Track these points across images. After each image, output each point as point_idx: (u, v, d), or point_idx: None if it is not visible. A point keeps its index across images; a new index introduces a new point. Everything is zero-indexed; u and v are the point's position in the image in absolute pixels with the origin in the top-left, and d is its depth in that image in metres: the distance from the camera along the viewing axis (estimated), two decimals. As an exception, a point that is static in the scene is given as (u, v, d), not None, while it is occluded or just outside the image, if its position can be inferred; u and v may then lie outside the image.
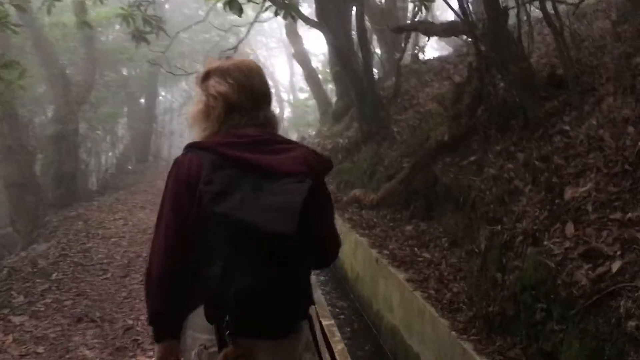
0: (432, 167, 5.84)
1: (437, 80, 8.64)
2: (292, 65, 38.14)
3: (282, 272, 1.52)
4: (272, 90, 1.93)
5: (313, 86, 15.75)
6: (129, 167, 19.80)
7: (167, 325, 1.64)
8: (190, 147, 1.64)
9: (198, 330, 1.60)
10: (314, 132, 23.08)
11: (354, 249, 6.24)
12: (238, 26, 9.24)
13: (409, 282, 4.39)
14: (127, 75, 22.38)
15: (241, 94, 1.66)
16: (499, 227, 3.51)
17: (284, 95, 37.65)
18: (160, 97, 25.76)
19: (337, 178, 9.76)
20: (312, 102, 27.12)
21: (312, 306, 1.71)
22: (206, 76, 1.71)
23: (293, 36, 16.18)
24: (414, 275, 4.51)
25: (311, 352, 1.73)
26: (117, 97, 24.12)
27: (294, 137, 35.03)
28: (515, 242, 3.28)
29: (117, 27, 16.95)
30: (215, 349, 1.54)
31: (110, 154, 18.73)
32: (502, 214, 3.70)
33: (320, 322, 2.00)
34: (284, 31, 39.00)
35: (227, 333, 1.50)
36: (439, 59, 10.17)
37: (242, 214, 1.45)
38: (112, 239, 7.74)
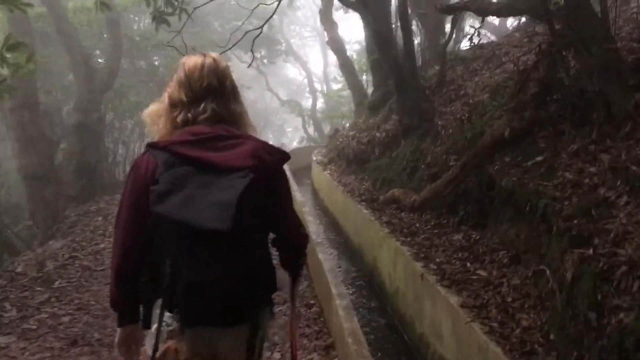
0: (487, 167, 5.07)
1: (488, 68, 7.80)
2: (326, 55, 37.39)
3: (228, 266, 1.60)
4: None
5: (348, 76, 14.99)
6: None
7: (125, 312, 1.77)
8: (148, 146, 1.69)
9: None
10: (348, 124, 22.35)
11: (394, 258, 5.52)
12: (266, 3, 8.52)
13: (463, 308, 3.66)
14: (157, 64, 22.13)
15: (180, 90, 1.74)
16: (590, 251, 2.75)
17: (317, 86, 36.82)
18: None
19: (374, 175, 9.04)
20: (347, 92, 26.39)
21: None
22: (172, 79, 1.82)
23: (328, 23, 15.43)
24: (469, 300, 3.78)
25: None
26: (146, 87, 24.01)
27: (326, 129, 34.41)
28: (615, 274, 2.53)
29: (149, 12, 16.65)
30: (173, 327, 1.65)
31: (139, 144, 18.40)
32: (591, 232, 2.93)
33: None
34: (318, 19, 38.39)
35: (176, 323, 1.63)
36: (490, 44, 9.29)
37: (180, 213, 1.51)
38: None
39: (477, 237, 4.97)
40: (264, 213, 1.69)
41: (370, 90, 14.81)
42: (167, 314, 1.65)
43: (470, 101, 7.16)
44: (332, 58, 48.54)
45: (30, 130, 9.76)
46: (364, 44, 21.39)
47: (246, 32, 8.16)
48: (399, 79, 7.98)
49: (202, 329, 1.66)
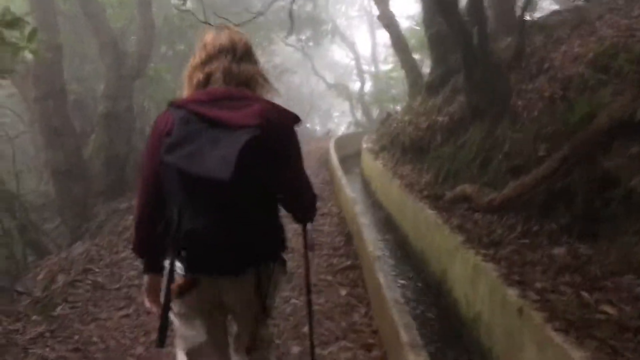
0: (600, 160, 3.88)
1: (579, 35, 6.48)
2: (374, 35, 35.98)
3: (229, 217, 1.73)
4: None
5: (400, 54, 13.74)
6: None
7: (148, 260, 1.98)
8: (169, 105, 1.85)
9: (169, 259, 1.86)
10: (400, 108, 21.00)
11: (472, 276, 4.41)
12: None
13: (596, 370, 2.55)
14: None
15: (198, 54, 1.92)
16: None
17: (365, 68, 35.48)
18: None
19: (435, 165, 7.89)
20: (398, 74, 25.04)
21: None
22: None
23: (378, -5, 14.17)
24: (601, 356, 2.66)
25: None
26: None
27: (375, 113, 33.14)
28: None
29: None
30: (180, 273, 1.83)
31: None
32: None
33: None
34: (365, -2, 36.92)
35: (183, 266, 1.81)
36: (572, 10, 7.91)
37: (185, 163, 1.65)
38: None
39: (589, 253, 3.80)
40: (270, 171, 1.79)
41: (425, 69, 13.54)
42: (178, 263, 1.81)
43: (559, 75, 5.89)
44: (381, 38, 46.89)
45: (55, 122, 9.08)
46: (416, 19, 20.02)
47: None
48: (467, 51, 6.77)
49: (206, 277, 1.83)
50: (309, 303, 2.40)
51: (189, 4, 20.96)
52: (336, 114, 48.94)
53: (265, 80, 1.96)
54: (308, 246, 2.31)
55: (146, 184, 1.88)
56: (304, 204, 2.03)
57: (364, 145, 14.37)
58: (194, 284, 1.82)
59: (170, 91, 14.76)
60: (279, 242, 1.94)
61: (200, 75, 1.86)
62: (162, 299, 1.83)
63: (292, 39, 28.98)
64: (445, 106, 8.51)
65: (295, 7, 25.23)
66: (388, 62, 40.33)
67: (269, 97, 1.92)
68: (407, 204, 7.31)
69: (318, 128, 44.56)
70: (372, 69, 35.28)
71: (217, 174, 1.60)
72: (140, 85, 10.91)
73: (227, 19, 10.27)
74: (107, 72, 10.00)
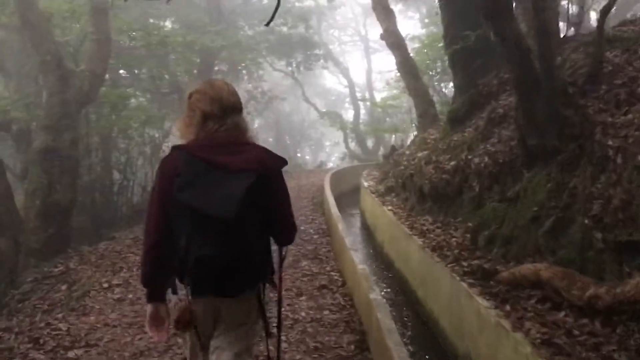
0: None
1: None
2: (369, 60, 34.60)
3: (231, 246, 2.09)
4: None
5: (408, 78, 12.00)
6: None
7: (154, 289, 2.21)
8: (174, 149, 2.22)
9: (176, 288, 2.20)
10: (407, 141, 19.18)
11: None
12: None
13: None
14: (177, 73, 19.69)
15: (213, 105, 2.21)
16: None
17: (359, 95, 33.90)
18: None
19: (471, 222, 6.03)
20: (397, 102, 23.39)
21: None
22: (190, 96, 2.32)
23: (383, 11, 12.45)
24: None
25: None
26: (166, 100, 21.54)
27: (369, 143, 31.43)
28: None
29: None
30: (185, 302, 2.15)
31: (151, 170, 15.78)
32: None
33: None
34: (360, 21, 35.60)
35: (188, 292, 2.12)
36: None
37: (197, 201, 2.04)
38: (73, 351, 4.42)
39: None
40: (263, 206, 2.20)
41: (435, 97, 11.82)
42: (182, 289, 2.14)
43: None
44: (377, 64, 45.54)
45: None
46: (422, 38, 18.22)
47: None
48: (524, 70, 4.95)
49: (201, 298, 2.14)
50: (279, 312, 2.60)
51: (168, 24, 19.27)
52: (327, 143, 47.32)
53: (246, 125, 2.32)
54: (282, 258, 2.49)
55: (156, 219, 2.15)
56: (289, 232, 2.38)
57: (365, 184, 12.49)
58: (191, 315, 2.14)
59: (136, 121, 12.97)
60: (270, 266, 2.34)
61: (215, 126, 2.19)
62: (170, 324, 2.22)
63: (282, 64, 27.44)
64: (479, 143, 6.67)
65: (285, 29, 23.77)
66: (382, 90, 39.04)
67: (253, 139, 2.33)
68: (438, 278, 5.40)
69: (308, 158, 42.86)
70: (366, 96, 33.67)
71: (224, 213, 2.02)
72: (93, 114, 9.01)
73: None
74: (48, 97, 8.10)
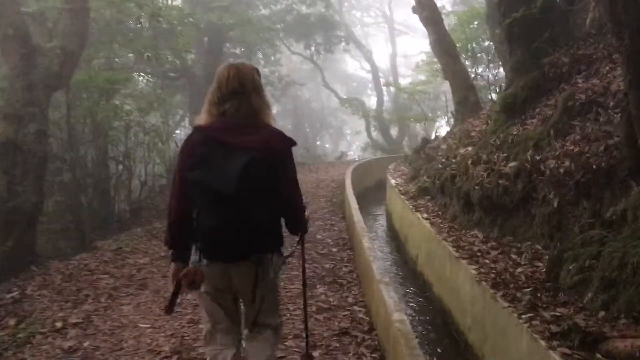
0: None
1: None
2: (393, 43, 32.75)
3: (233, 218, 2.34)
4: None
5: (444, 58, 10.37)
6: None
7: (177, 251, 2.51)
8: (194, 129, 2.53)
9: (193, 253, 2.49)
10: (429, 130, 17.56)
11: None
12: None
13: None
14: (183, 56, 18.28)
15: (214, 93, 2.49)
16: None
17: (383, 81, 32.13)
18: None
19: (540, 245, 4.51)
20: (430, 86, 21.67)
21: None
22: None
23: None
24: None
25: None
26: (175, 85, 20.12)
27: (393, 133, 29.71)
28: None
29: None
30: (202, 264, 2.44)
31: (151, 163, 14.37)
32: None
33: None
34: (384, 0, 33.75)
35: (199, 257, 2.43)
36: None
37: (203, 178, 2.33)
38: None
39: None
40: (268, 183, 2.40)
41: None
42: (194, 256, 2.45)
43: None
44: (401, 48, 43.62)
45: None
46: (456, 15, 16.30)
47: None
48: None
49: (216, 264, 2.44)
50: (305, 295, 3.07)
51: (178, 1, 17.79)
52: (348, 131, 45.73)
53: (269, 109, 2.59)
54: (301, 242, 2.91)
55: (177, 192, 2.46)
56: (297, 213, 2.62)
57: (392, 182, 10.96)
58: (197, 274, 2.38)
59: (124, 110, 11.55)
60: (277, 238, 2.53)
61: (215, 110, 2.45)
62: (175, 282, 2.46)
63: (300, 47, 25.85)
64: (552, 140, 5.10)
65: (304, 8, 22.14)
66: (407, 76, 37.12)
67: (273, 122, 2.57)
68: (506, 330, 3.90)
69: (328, 146, 41.33)
70: (390, 79, 31.87)
71: (225, 187, 2.28)
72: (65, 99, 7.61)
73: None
74: (10, 81, 6.71)
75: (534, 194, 5.04)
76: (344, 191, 10.32)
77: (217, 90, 2.47)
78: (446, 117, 21.20)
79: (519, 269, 4.64)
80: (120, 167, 12.99)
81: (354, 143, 46.89)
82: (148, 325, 4.69)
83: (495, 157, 6.07)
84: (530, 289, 4.15)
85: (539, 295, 4.03)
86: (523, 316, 3.73)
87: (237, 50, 19.98)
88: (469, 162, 6.58)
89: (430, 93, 21.15)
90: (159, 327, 4.67)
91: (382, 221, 11.97)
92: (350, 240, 7.68)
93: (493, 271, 4.75)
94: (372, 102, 35.96)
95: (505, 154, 5.92)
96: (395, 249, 9.10)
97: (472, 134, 7.86)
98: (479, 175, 6.05)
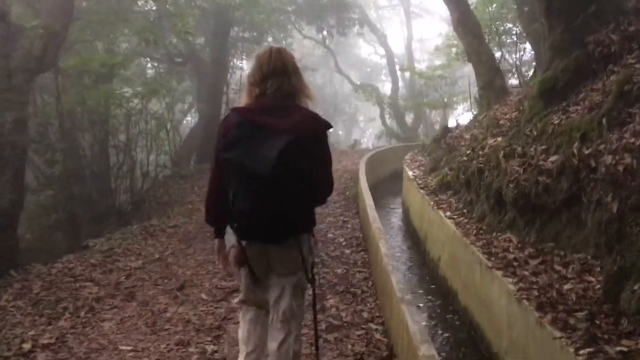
0: None
1: None
2: (410, 27, 31.71)
3: (269, 201, 2.34)
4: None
5: (468, 38, 9.52)
6: (183, 171, 14.79)
7: (216, 229, 2.67)
8: (231, 110, 2.56)
9: (230, 234, 2.55)
10: (458, 118, 16.66)
11: None
12: None
13: None
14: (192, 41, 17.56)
15: (255, 73, 2.52)
16: None
17: (398, 66, 31.18)
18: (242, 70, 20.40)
19: (591, 254, 3.82)
20: (443, 71, 20.73)
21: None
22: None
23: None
24: None
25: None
26: (181, 70, 19.42)
27: (408, 120, 28.81)
28: None
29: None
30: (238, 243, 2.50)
31: (154, 153, 13.71)
32: None
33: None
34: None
35: (239, 237, 2.48)
36: None
37: (239, 159, 2.33)
38: None
39: None
40: (303, 166, 2.39)
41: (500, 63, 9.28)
42: (231, 237, 2.52)
43: None
44: (417, 31, 42.49)
45: None
46: None
47: None
48: None
49: (254, 243, 2.48)
50: (314, 309, 2.85)
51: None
52: (361, 118, 44.87)
53: (309, 91, 2.59)
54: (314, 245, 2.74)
55: (215, 172, 2.53)
56: (324, 189, 2.61)
57: (410, 173, 10.22)
58: (243, 254, 2.49)
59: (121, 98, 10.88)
60: (311, 219, 2.57)
61: (257, 90, 2.49)
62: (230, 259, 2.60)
63: (312, 32, 24.99)
64: (604, 130, 4.33)
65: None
66: (423, 61, 36.09)
67: (310, 104, 2.58)
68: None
69: (341, 133, 40.55)
70: (405, 65, 30.90)
71: (261, 170, 2.28)
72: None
73: None
74: (-14, 62, 6.05)
75: (582, 194, 4.29)
76: (358, 184, 9.60)
77: (259, 69, 2.50)
78: (467, 104, 20.39)
79: (567, 285, 3.92)
80: (122, 156, 12.40)
81: (367, 130, 46.05)
82: (130, 348, 4.04)
83: (532, 149, 5.30)
84: (584, 313, 3.44)
85: (597, 322, 3.32)
86: (581, 351, 3.03)
87: (247, 34, 19.21)
88: (501, 154, 5.83)
89: (448, 78, 20.25)
90: (143, 349, 4.03)
91: (398, 215, 11.26)
92: (365, 241, 6.98)
93: (535, 286, 4.04)
94: (386, 88, 35.11)
95: (544, 146, 5.16)
96: (414, 247, 8.40)
97: (501, 122, 7.09)
98: (514, 170, 5.30)
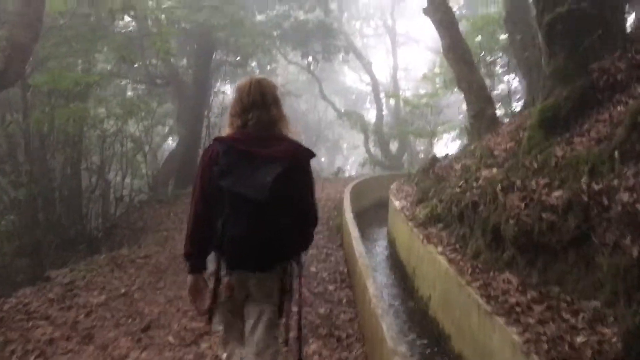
0: None
1: None
2: (395, 55, 31.72)
3: (262, 227, 2.39)
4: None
5: (459, 66, 9.24)
6: (158, 196, 14.22)
7: (194, 262, 2.56)
8: (214, 140, 2.57)
9: (211, 263, 2.51)
10: (428, 146, 16.46)
11: None
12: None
13: None
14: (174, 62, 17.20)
15: (235, 105, 2.62)
16: None
17: (383, 94, 31.06)
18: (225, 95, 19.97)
19: (602, 302, 3.42)
20: (428, 100, 20.55)
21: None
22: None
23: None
24: None
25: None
26: (163, 92, 18.98)
27: (393, 147, 28.59)
28: None
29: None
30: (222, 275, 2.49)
31: (129, 177, 13.13)
32: None
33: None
34: (386, 9, 32.78)
35: (226, 267, 2.46)
36: None
37: (235, 187, 2.36)
38: None
39: None
40: (291, 193, 2.45)
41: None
42: (212, 267, 2.48)
43: None
44: (403, 60, 42.69)
45: None
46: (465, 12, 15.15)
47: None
48: None
49: (240, 273, 2.48)
50: (300, 315, 2.77)
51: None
52: (345, 145, 44.67)
53: (287, 121, 2.64)
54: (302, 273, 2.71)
55: (198, 202, 2.50)
56: (310, 227, 2.67)
57: (396, 203, 9.81)
58: (232, 286, 2.48)
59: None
60: (295, 246, 2.58)
61: (239, 122, 2.56)
62: (209, 295, 2.51)
63: (298, 58, 24.76)
64: (615, 163, 3.97)
65: (301, 13, 21.08)
66: (407, 90, 36.09)
67: (289, 134, 2.62)
68: None
69: (324, 160, 40.23)
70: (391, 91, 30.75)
71: (257, 196, 2.31)
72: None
73: None
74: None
75: (593, 234, 3.90)
76: (343, 214, 9.16)
77: (239, 101, 2.58)
78: (454, 133, 20.20)
79: (580, 338, 3.49)
80: (95, 179, 11.85)
81: (350, 157, 45.81)
82: None
83: (532, 183, 4.93)
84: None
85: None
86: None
87: (230, 58, 18.88)
88: (498, 187, 5.44)
89: (434, 107, 20.08)
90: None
91: (382, 246, 10.80)
92: (350, 277, 6.52)
93: (543, 337, 3.61)
94: (370, 115, 34.96)
95: (546, 180, 4.79)
96: (399, 283, 7.94)
97: (496, 152, 6.74)
98: (514, 205, 4.91)
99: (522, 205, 4.81)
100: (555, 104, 5.26)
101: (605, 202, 3.83)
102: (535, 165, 5.11)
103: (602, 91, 5.00)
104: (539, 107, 5.52)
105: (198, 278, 2.57)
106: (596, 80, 5.04)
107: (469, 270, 5.29)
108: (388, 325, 3.74)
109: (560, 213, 4.29)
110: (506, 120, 10.20)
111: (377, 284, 4.86)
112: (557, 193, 4.49)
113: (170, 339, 4.59)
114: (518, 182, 5.17)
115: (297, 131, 2.72)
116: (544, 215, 4.45)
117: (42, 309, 5.28)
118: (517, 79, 12.81)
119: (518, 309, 4.13)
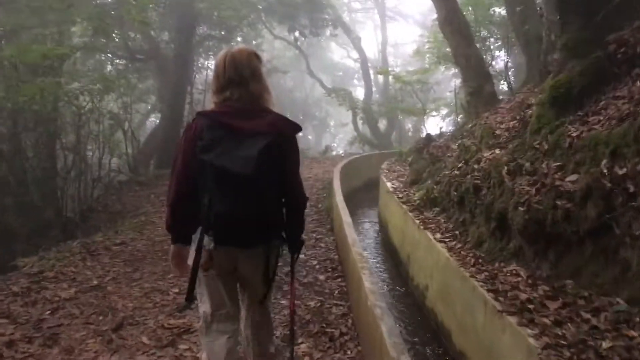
0: None
1: None
2: (384, 30, 31.06)
3: (248, 202, 2.35)
4: None
5: (456, 39, 8.75)
6: (140, 176, 13.68)
7: (177, 234, 2.53)
8: (198, 114, 2.53)
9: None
10: (448, 128, 15.96)
11: None
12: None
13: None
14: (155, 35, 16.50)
15: (214, 82, 2.54)
16: None
17: (372, 70, 30.48)
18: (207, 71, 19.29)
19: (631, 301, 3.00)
20: (421, 76, 20.04)
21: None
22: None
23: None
24: None
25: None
26: (142, 68, 18.31)
27: (382, 125, 28.16)
28: None
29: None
30: (209, 246, 2.41)
31: (107, 156, 12.52)
32: None
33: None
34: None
35: (211, 242, 2.39)
36: None
37: (218, 161, 2.29)
38: None
39: None
40: (277, 169, 2.41)
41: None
42: (205, 236, 2.39)
43: None
44: (392, 35, 41.95)
45: None
46: None
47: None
48: None
49: (227, 248, 2.43)
50: (292, 317, 2.94)
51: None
52: (332, 123, 44.17)
53: (269, 94, 2.54)
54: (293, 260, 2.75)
55: (179, 175, 2.45)
56: (294, 201, 2.57)
57: (388, 185, 9.39)
58: (212, 258, 2.43)
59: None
60: (282, 224, 2.56)
61: (220, 97, 2.48)
62: (190, 267, 2.44)
63: (285, 33, 24.07)
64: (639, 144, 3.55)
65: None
66: (396, 66, 35.51)
67: (273, 107, 2.53)
68: None
69: (311, 138, 39.73)
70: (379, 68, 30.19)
71: (242, 170, 2.25)
72: None
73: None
74: None
75: (615, 224, 3.50)
76: (332, 196, 8.73)
77: (217, 78, 2.52)
78: (445, 111, 19.79)
79: (606, 343, 3.10)
80: (70, 159, 11.28)
81: (337, 135, 45.33)
82: None
83: (543, 166, 4.51)
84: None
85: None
86: None
87: (214, 32, 18.17)
88: (504, 170, 5.02)
89: (425, 83, 19.60)
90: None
91: (374, 230, 10.43)
92: (342, 265, 6.10)
93: (563, 341, 3.21)
94: (358, 92, 34.41)
95: (558, 163, 4.37)
96: (393, 270, 7.56)
97: (498, 132, 6.31)
98: (523, 190, 4.49)
99: (533, 190, 4.39)
100: (568, 80, 4.81)
101: (631, 188, 3.42)
102: (546, 147, 4.69)
103: (620, 65, 4.56)
104: (550, 82, 5.07)
105: (181, 248, 2.54)
106: (613, 53, 4.60)
107: (472, 261, 4.90)
108: (389, 328, 3.32)
109: (577, 200, 3.88)
110: (500, 97, 9.80)
111: (374, 277, 4.44)
112: (572, 177, 4.07)
113: (145, 339, 4.15)
114: (527, 165, 4.75)
115: (276, 105, 2.61)
116: (558, 202, 4.03)
117: (4, 305, 4.80)
118: (511, 56, 12.38)
119: (530, 306, 3.74)
